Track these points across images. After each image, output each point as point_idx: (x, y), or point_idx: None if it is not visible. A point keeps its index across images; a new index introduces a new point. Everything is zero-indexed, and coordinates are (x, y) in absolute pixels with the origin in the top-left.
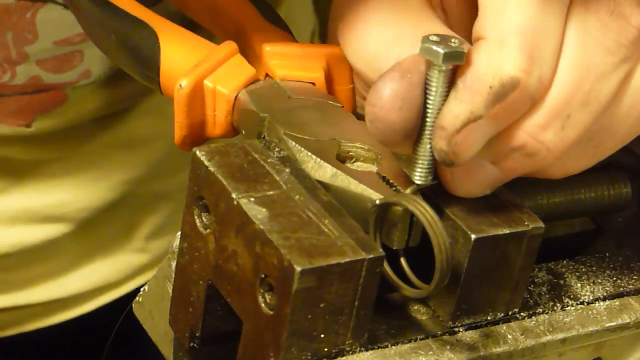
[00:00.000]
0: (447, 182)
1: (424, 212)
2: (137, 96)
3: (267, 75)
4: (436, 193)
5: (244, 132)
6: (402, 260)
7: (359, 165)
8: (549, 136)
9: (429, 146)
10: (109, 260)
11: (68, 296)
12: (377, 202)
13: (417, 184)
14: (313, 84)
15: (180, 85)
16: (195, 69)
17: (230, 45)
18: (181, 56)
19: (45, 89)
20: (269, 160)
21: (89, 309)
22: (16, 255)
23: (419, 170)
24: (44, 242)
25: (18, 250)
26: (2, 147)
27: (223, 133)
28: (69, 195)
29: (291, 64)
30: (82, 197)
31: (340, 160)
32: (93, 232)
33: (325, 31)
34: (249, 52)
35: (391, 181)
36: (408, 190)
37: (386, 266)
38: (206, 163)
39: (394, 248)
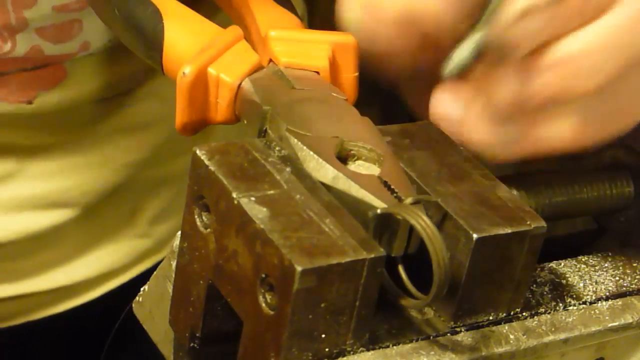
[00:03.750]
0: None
1: (425, 226)
2: (138, 78)
3: (270, 60)
4: (437, 193)
5: (245, 122)
6: (400, 269)
7: (360, 164)
8: (587, 63)
9: (473, 39)
10: (114, 246)
11: (74, 283)
12: (379, 211)
13: (446, 75)
14: (317, 72)
15: (184, 73)
16: (199, 55)
17: (235, 31)
18: (185, 39)
19: (45, 63)
20: (269, 160)
21: (95, 296)
22: (22, 243)
23: (456, 62)
24: (49, 228)
25: (24, 237)
26: (6, 131)
27: (224, 120)
28: (73, 180)
29: (296, 51)
30: (86, 182)
31: (342, 158)
32: (97, 217)
33: (313, 18)
34: (253, 33)
35: (392, 187)
36: (409, 200)
37: (385, 274)
38: (206, 162)
39: (393, 255)
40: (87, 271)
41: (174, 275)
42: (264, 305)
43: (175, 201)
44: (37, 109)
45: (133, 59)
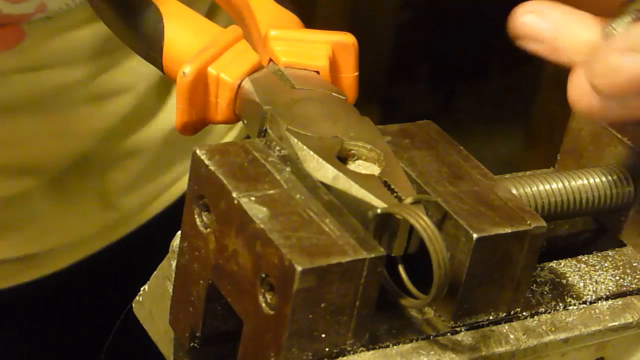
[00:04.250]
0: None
1: (425, 226)
2: (100, 47)
3: (270, 60)
4: (437, 192)
5: (245, 122)
6: (400, 268)
7: (360, 164)
8: None
9: None
10: (81, 216)
11: (41, 251)
12: (379, 211)
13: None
14: (317, 72)
15: (184, 73)
16: (199, 55)
17: (235, 31)
18: (185, 38)
19: (2, 23)
20: (269, 159)
21: (63, 266)
22: None
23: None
24: (16, 195)
25: None
26: None
27: (224, 120)
28: (38, 147)
29: (296, 50)
30: (52, 149)
31: (342, 158)
32: (64, 186)
33: (313, 18)
34: (253, 33)
35: (392, 186)
36: (409, 200)
37: (385, 274)
38: (206, 162)
39: (393, 255)
40: (55, 240)
41: (174, 275)
42: (264, 305)
43: (143, 174)
44: None
45: (93, 27)
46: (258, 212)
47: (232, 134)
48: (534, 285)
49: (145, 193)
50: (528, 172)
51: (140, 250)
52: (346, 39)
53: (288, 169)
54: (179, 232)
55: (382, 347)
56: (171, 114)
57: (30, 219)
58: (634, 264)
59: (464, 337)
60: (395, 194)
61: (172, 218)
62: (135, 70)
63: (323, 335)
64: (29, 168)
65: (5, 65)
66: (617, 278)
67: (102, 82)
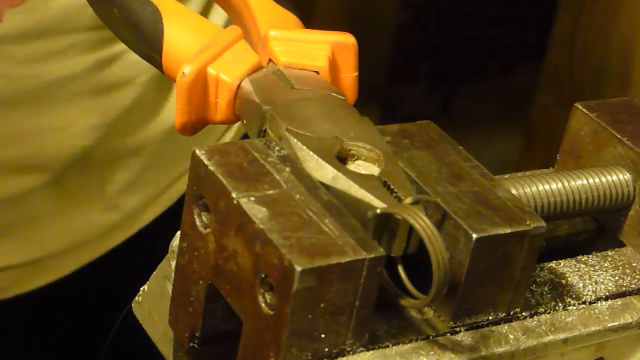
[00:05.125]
0: None
1: (425, 227)
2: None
3: (270, 60)
4: (437, 193)
5: (245, 122)
6: (400, 269)
7: (359, 164)
8: None
9: None
10: (84, 217)
11: (44, 256)
12: (379, 211)
13: None
14: (317, 72)
15: (183, 73)
16: (199, 55)
17: (235, 31)
18: (184, 38)
19: None
20: (269, 159)
21: (67, 272)
22: None
23: None
24: (17, 195)
25: None
26: None
27: (224, 120)
28: (39, 144)
29: (296, 51)
30: (53, 146)
31: (342, 158)
32: (66, 185)
33: (313, 18)
34: (253, 33)
35: (392, 187)
36: (408, 200)
37: (384, 274)
38: (206, 162)
39: (392, 255)
40: (58, 243)
41: (173, 275)
42: (263, 305)
43: (144, 174)
44: (9, 29)
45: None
46: (257, 212)
47: (230, 134)
48: (534, 286)
49: (146, 192)
50: (527, 172)
51: (143, 253)
52: (346, 39)
53: (287, 169)
54: (179, 232)
55: (382, 348)
56: (172, 112)
57: (32, 220)
58: (634, 264)
59: (464, 337)
60: (394, 194)
61: (174, 219)
62: (135, 64)
63: (322, 336)
64: (30, 166)
65: (15, 24)
66: (617, 278)
67: (101, 75)
